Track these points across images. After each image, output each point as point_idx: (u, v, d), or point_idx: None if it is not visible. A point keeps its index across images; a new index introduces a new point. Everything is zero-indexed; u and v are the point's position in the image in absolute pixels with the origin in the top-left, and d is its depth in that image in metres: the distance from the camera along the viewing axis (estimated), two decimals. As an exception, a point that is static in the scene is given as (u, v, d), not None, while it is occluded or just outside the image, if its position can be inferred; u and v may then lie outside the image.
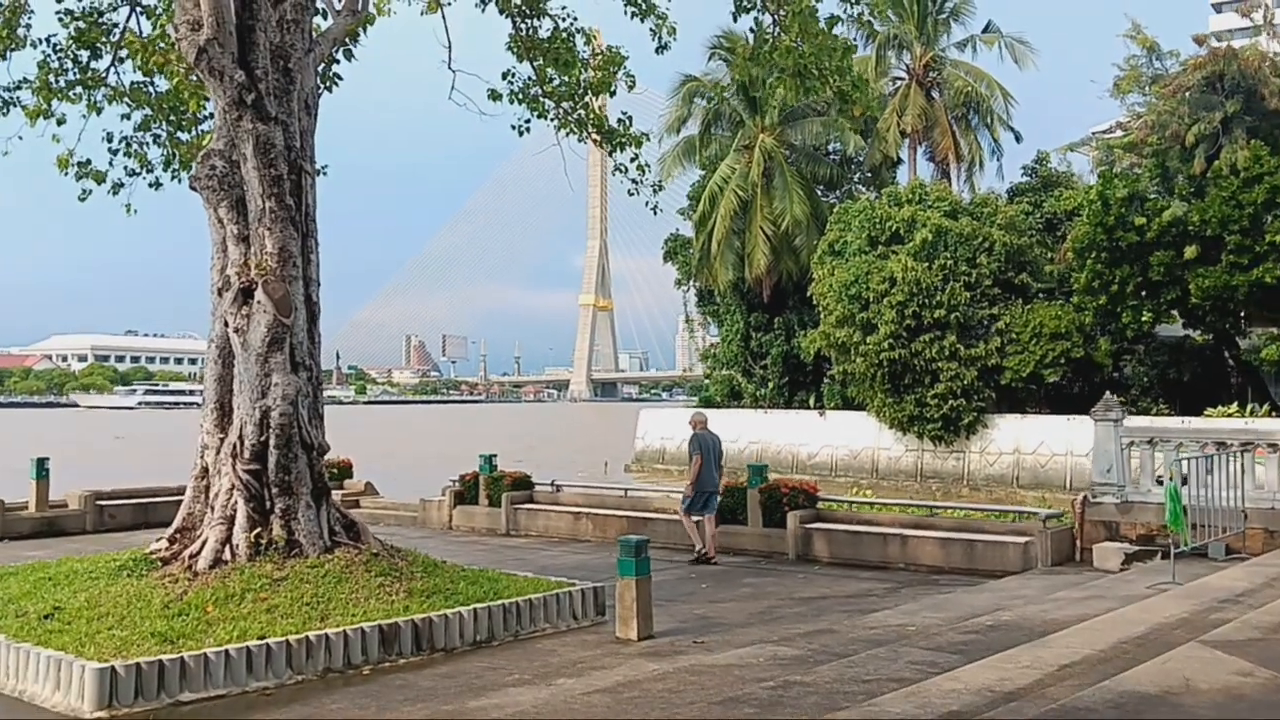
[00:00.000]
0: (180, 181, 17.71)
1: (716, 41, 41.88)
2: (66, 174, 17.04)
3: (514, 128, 18.04)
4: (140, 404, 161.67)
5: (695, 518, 15.52)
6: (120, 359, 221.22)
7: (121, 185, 17.20)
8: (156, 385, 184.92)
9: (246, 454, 10.96)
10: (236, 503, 11.00)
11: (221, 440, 11.54)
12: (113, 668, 8.27)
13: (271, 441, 10.96)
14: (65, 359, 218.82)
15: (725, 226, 39.78)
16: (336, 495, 13.01)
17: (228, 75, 11.29)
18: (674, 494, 17.45)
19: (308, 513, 11.11)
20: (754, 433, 39.59)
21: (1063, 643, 8.78)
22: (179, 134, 17.42)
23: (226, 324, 11.35)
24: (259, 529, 10.87)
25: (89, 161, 16.94)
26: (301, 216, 11.67)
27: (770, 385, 41.28)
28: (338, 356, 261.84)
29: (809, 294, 36.95)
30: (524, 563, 14.95)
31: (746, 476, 16.45)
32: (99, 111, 16.94)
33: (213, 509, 11.26)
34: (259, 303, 10.99)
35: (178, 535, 11.55)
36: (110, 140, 16.82)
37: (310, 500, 11.17)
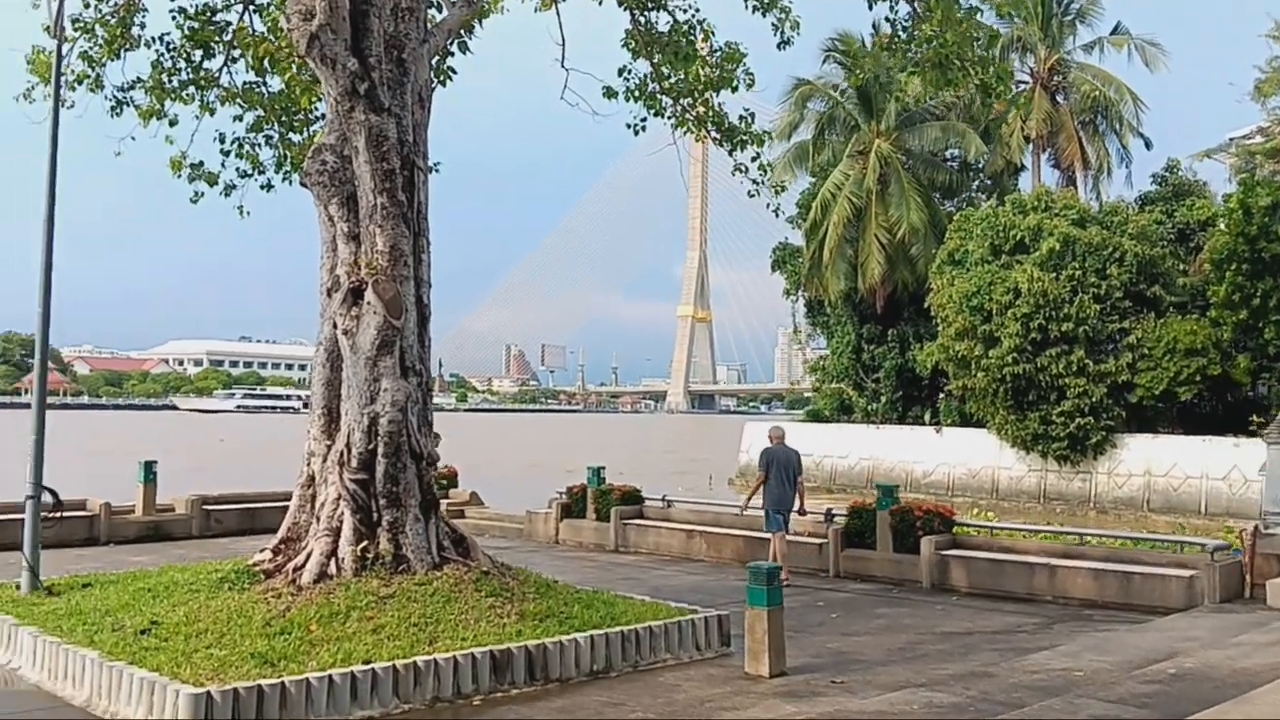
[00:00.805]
0: (291, 183, 17.41)
1: (831, 44, 40.76)
2: (179, 176, 16.86)
3: (629, 126, 17.36)
4: (237, 408, 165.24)
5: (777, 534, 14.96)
6: (234, 364, 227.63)
7: (234, 187, 16.95)
8: (253, 390, 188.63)
9: (354, 462, 10.34)
10: (343, 514, 10.39)
11: (328, 447, 10.96)
12: (208, 693, 7.65)
13: (379, 450, 10.32)
14: (181, 363, 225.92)
15: (838, 234, 38.53)
16: (442, 506, 12.33)
17: (340, 63, 10.74)
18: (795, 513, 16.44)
19: (416, 526, 10.44)
20: (865, 449, 38.23)
21: (1269, 700, 7.62)
22: (290, 135, 17.07)
23: (335, 326, 10.77)
24: (365, 542, 10.24)
25: (202, 163, 16.71)
26: (413, 214, 11.04)
27: (883, 400, 39.86)
28: (440, 364, 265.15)
29: (926, 305, 35.49)
30: (636, 583, 14.14)
31: (876, 497, 15.36)
32: (211, 112, 16.71)
33: (318, 520, 10.67)
34: (369, 303, 10.37)
35: (282, 546, 10.99)
36: (222, 141, 16.57)
37: (419, 513, 10.50)
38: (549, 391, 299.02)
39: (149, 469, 18.18)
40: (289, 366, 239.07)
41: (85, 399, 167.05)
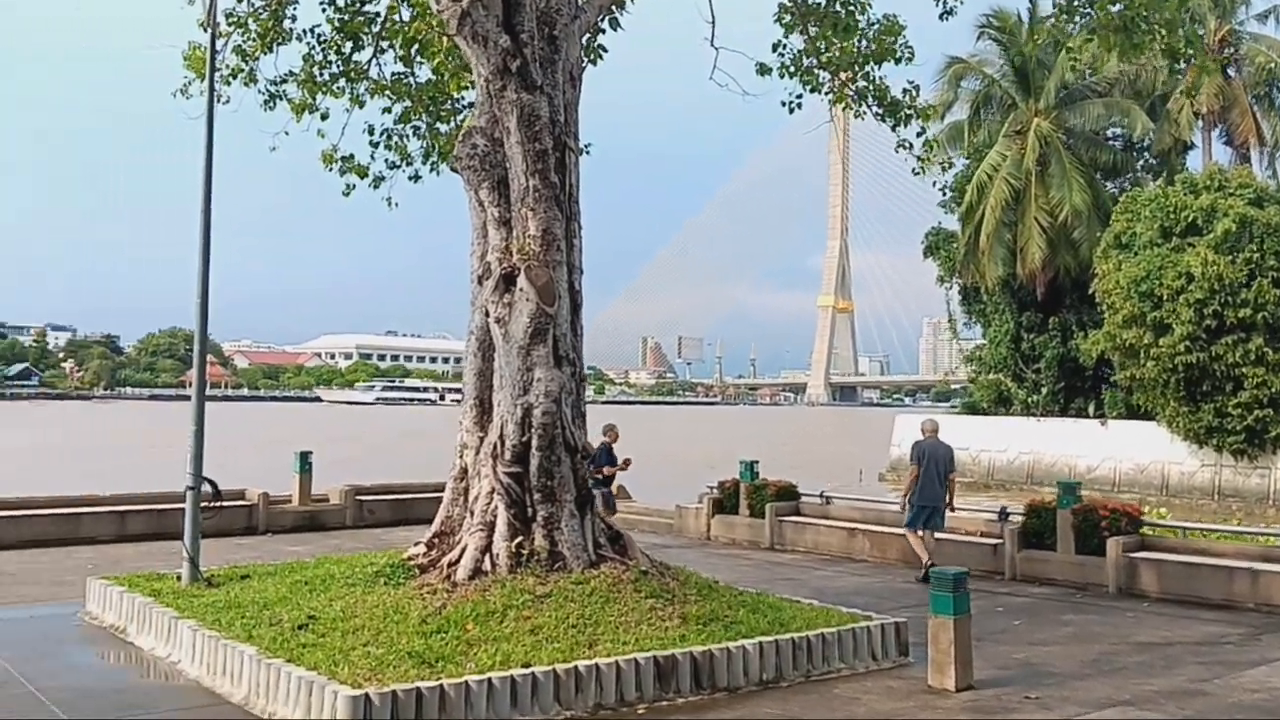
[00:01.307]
0: (439, 174, 17.37)
1: (986, 20, 39.00)
2: (331, 169, 16.95)
3: (784, 104, 16.68)
4: (377, 400, 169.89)
5: (919, 532, 14.29)
6: (381, 357, 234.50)
7: (382, 179, 16.97)
8: (393, 383, 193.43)
9: (507, 455, 9.94)
10: (497, 508, 10.02)
11: (481, 439, 10.61)
12: (366, 695, 7.32)
13: (534, 443, 9.90)
14: (333, 357, 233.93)
15: (995, 218, 36.82)
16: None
17: (492, 40, 10.36)
18: (961, 511, 15.49)
19: (571, 522, 9.99)
20: (1024, 442, 36.50)
21: None
22: (438, 125, 16.96)
23: (487, 314, 10.41)
24: (520, 538, 9.84)
25: (352, 156, 16.77)
26: (565, 197, 10.59)
27: (1044, 391, 37.98)
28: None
29: (1090, 291, 33.58)
30: (797, 583, 13.46)
31: (1056, 496, 14.30)
32: (361, 105, 16.75)
33: (472, 514, 10.33)
34: (521, 290, 9.96)
35: (435, 540, 10.70)
36: (371, 133, 16.58)
37: (574, 508, 10.05)
38: (686, 384, 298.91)
39: (305, 460, 18.32)
40: (433, 360, 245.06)
41: (244, 391, 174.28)
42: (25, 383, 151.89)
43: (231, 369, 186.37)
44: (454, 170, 11.31)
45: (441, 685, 7.60)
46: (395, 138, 16.88)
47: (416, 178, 17.17)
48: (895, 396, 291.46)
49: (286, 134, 16.40)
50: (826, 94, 15.64)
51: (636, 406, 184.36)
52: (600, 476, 16.33)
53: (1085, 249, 35.51)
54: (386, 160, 16.90)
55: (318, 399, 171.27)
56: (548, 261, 10.10)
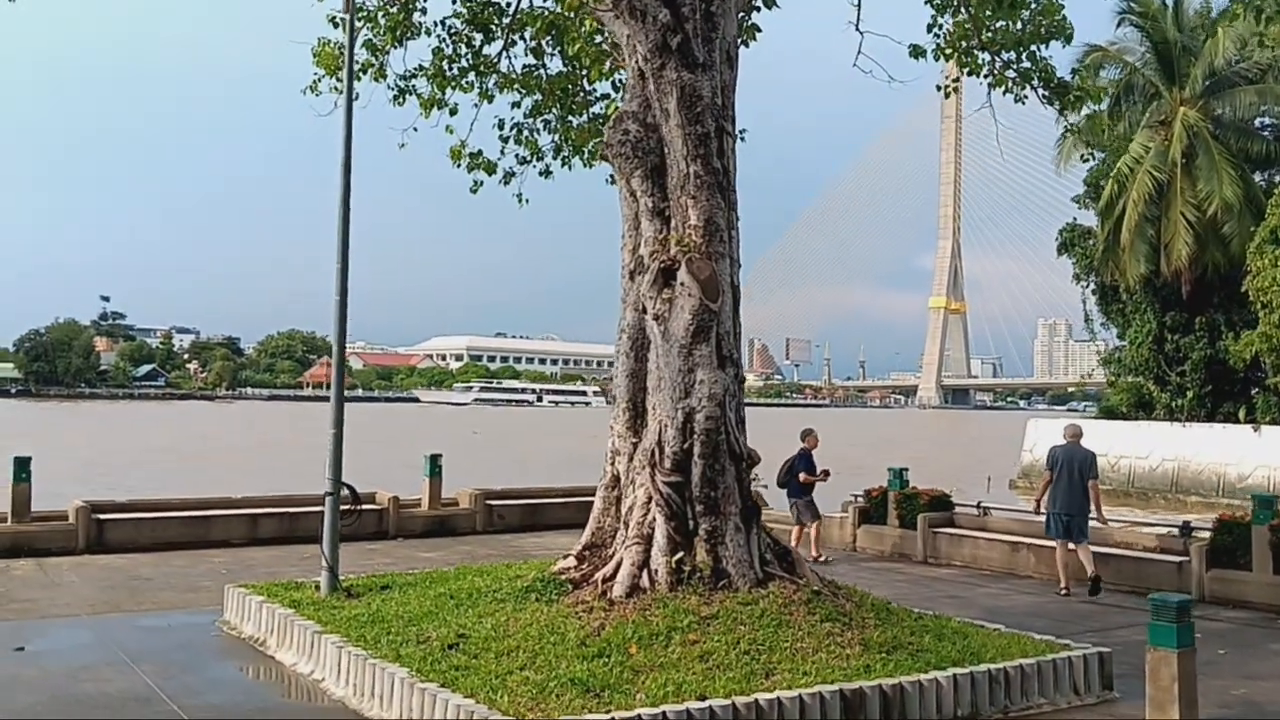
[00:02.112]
0: (570, 168, 16.89)
1: (1126, 6, 37.04)
2: (459, 165, 16.58)
3: (939, 88, 15.79)
4: (474, 400, 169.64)
5: (1070, 545, 13.38)
6: (491, 359, 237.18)
7: (512, 175, 16.51)
8: (489, 384, 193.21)
9: (667, 463, 9.20)
10: (655, 520, 9.28)
11: (635, 445, 9.89)
12: (531, 728, 6.65)
13: (696, 450, 9.14)
14: (444, 358, 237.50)
15: (1137, 213, 34.83)
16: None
17: (651, 15, 9.65)
18: (1139, 524, 14.28)
19: (737, 536, 9.21)
20: (1168, 448, 34.51)
21: None
22: (570, 119, 16.39)
23: (643, 310, 9.68)
24: (681, 553, 9.09)
25: (480, 152, 16.34)
26: (726, 184, 9.81)
27: (1189, 395, 35.86)
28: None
29: (1242, 289, 31.51)
30: (962, 602, 12.46)
31: (1251, 510, 13.01)
32: (490, 99, 16.32)
33: (626, 525, 9.62)
34: (682, 285, 9.20)
35: (586, 553, 10.01)
36: (501, 128, 16.13)
37: (739, 521, 9.26)
38: (794, 386, 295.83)
39: (434, 463, 17.91)
40: (541, 361, 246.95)
41: (359, 392, 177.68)
42: (153, 383, 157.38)
43: (347, 370, 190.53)
44: (603, 159, 10.64)
45: (613, 718, 6.89)
46: (526, 132, 16.40)
47: (547, 173, 16.73)
48: (1009, 399, 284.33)
49: (415, 130, 16.09)
50: (985, 77, 14.61)
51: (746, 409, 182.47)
52: (800, 484, 15.55)
53: (1236, 244, 33.34)
54: (516, 155, 16.50)
55: (415, 400, 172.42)
56: (710, 253, 9.34)
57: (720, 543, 9.13)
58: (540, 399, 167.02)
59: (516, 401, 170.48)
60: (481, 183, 16.62)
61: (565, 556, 10.18)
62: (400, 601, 10.03)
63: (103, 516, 15.14)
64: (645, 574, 9.16)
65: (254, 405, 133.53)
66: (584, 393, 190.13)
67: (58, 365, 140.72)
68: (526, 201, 16.96)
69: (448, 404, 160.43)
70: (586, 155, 16.32)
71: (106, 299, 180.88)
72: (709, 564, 9.07)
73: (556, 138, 16.45)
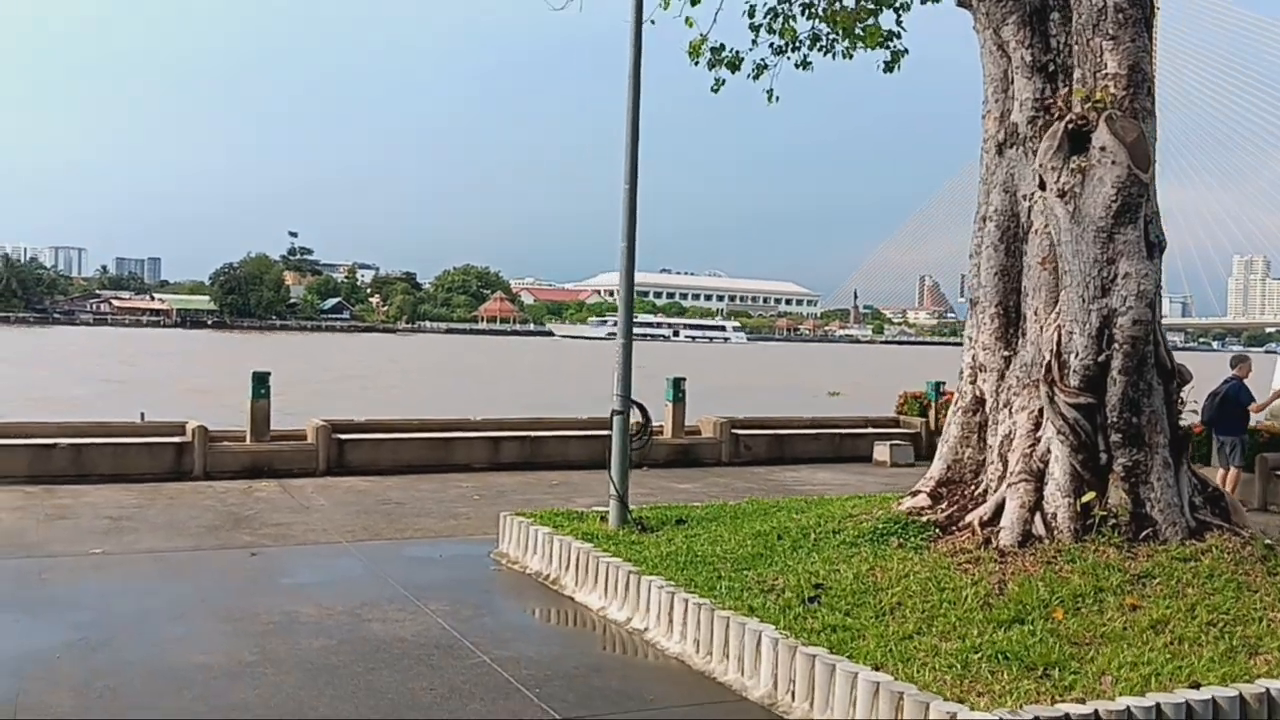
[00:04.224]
0: (834, 56, 14.95)
1: None
2: (697, 63, 14.82)
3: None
4: (609, 335, 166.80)
5: None
6: (658, 295, 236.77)
7: (765, 67, 14.65)
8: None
9: (1073, 380, 7.27)
10: (1051, 451, 7.40)
11: (1006, 359, 8.01)
12: (999, 721, 4.94)
13: (1115, 363, 7.17)
14: (611, 293, 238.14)
15: None
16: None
17: None
18: None
19: (1164, 474, 7.25)
20: None
21: None
22: (834, 3, 14.40)
23: (1041, 185, 7.69)
24: (1092, 493, 7.19)
25: (723, 47, 14.53)
26: (1151, 19, 7.69)
27: None
28: (855, 295, 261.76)
29: None
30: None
31: None
32: (736, -15, 14.41)
33: (1003, 459, 7.78)
34: (1102, 149, 7.17)
35: (942, 489, 8.25)
36: (751, 15, 14.29)
37: (1167, 455, 7.28)
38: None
39: (678, 386, 16.38)
40: (706, 298, 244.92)
41: (531, 326, 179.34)
42: (338, 316, 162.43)
43: (519, 305, 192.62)
44: (961, 5, 8.64)
45: (1096, 712, 5.11)
46: (782, 18, 14.52)
47: (805, 64, 14.86)
48: (1201, 340, 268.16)
49: (653, 23, 14.38)
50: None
51: (920, 347, 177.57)
52: (1238, 419, 13.16)
53: None
54: (772, 45, 14.69)
55: (549, 334, 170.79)
56: (1135, 110, 7.28)
57: (1143, 481, 7.20)
58: (677, 334, 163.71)
59: (652, 336, 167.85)
60: (724, 81, 15.03)
61: (914, 494, 8.41)
62: (711, 539, 8.47)
63: (343, 436, 14.16)
64: (1038, 518, 7.32)
65: (433, 339, 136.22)
66: (723, 327, 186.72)
67: (250, 298, 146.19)
68: (777, 99, 15.24)
69: (583, 338, 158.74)
70: (853, 41, 14.43)
71: (295, 234, 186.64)
72: (1127, 507, 7.17)
73: (815, 24, 14.58)
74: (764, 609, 6.65)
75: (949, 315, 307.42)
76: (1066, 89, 7.62)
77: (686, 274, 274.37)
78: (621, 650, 7.14)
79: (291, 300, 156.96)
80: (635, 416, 9.77)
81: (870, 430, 17.67)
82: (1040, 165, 7.44)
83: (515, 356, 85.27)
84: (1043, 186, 7.45)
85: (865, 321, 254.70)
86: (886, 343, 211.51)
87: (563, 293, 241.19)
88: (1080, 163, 7.23)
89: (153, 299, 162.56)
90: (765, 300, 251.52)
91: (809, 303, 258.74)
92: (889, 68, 14.60)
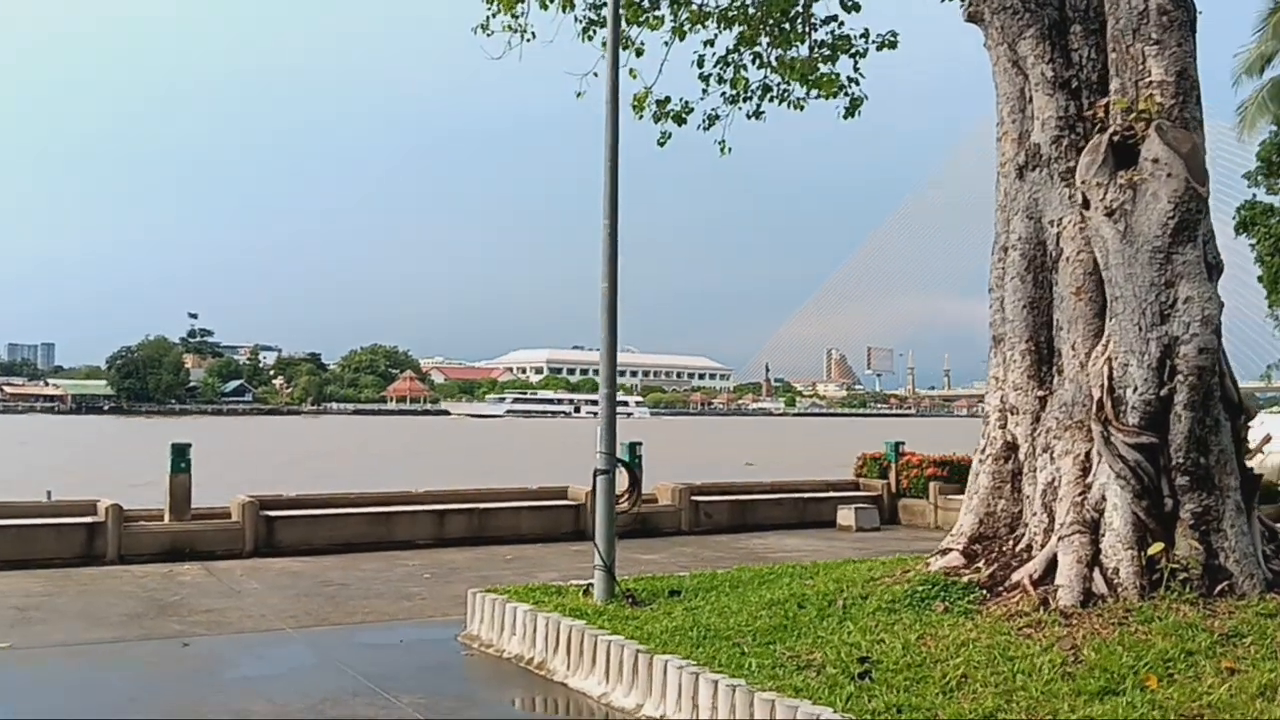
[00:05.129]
0: (790, 106, 14.69)
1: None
2: (642, 116, 14.47)
3: None
4: (507, 412, 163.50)
5: None
6: (571, 371, 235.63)
7: (716, 118, 14.35)
8: (523, 395, 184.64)
9: (1131, 418, 6.53)
10: (1105, 499, 6.63)
11: (1041, 400, 7.26)
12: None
13: (1179, 397, 6.46)
14: (524, 371, 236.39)
15: (1343, 183, 31.34)
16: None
17: None
18: None
19: (1238, 520, 6.51)
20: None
21: None
22: (787, 51, 14.15)
23: (1086, 204, 7.01)
24: (1160, 544, 6.42)
25: (668, 99, 14.21)
26: (1195, 22, 7.14)
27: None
28: (767, 369, 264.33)
29: None
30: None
31: None
32: (682, 37, 14.18)
33: (1047, 510, 7.00)
34: (1154, 162, 6.54)
35: (975, 546, 7.41)
36: (700, 65, 14.01)
37: (1239, 499, 6.56)
38: (878, 395, 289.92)
39: (633, 451, 15.39)
40: (621, 373, 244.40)
41: (441, 405, 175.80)
42: (240, 399, 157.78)
43: (429, 384, 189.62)
44: (971, 21, 8.05)
45: (1259, 804, 4.25)
46: (731, 67, 14.23)
47: (757, 113, 14.57)
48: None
49: (595, 75, 13.88)
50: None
51: (831, 419, 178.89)
52: None
53: None
54: (723, 94, 14.40)
55: (445, 413, 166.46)
56: (1186, 120, 6.67)
57: (1215, 529, 6.47)
58: (578, 410, 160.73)
59: (552, 413, 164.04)
60: (670, 135, 14.69)
61: (945, 552, 7.57)
62: (717, 611, 7.51)
63: (272, 514, 12.85)
64: (1097, 574, 6.52)
65: (340, 419, 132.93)
66: (625, 403, 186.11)
67: (149, 382, 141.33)
68: (730, 151, 14.87)
69: (479, 416, 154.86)
70: (808, 88, 14.08)
71: (195, 316, 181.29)
72: (1199, 558, 6.40)
73: (765, 75, 14.27)
74: (809, 689, 5.70)
75: (857, 386, 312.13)
76: (1105, 100, 7.00)
77: (597, 350, 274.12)
78: (639, 745, 6.10)
79: (191, 384, 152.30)
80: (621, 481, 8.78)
81: (832, 494, 16.87)
82: (1083, 182, 6.78)
83: (418, 435, 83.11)
84: (1086, 205, 6.79)
85: (777, 394, 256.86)
86: (799, 415, 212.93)
87: (475, 371, 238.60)
88: (1130, 177, 6.58)
89: (46, 384, 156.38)
90: (679, 375, 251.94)
91: (721, 377, 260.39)
92: (849, 113, 14.17)
